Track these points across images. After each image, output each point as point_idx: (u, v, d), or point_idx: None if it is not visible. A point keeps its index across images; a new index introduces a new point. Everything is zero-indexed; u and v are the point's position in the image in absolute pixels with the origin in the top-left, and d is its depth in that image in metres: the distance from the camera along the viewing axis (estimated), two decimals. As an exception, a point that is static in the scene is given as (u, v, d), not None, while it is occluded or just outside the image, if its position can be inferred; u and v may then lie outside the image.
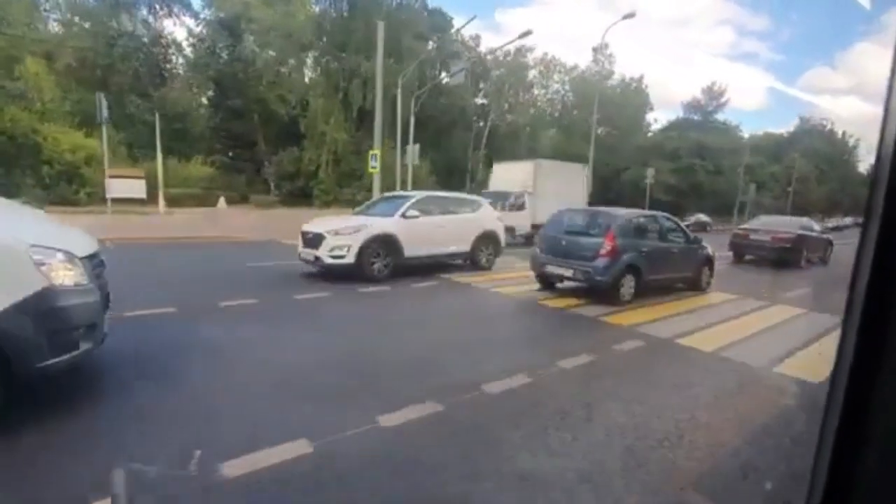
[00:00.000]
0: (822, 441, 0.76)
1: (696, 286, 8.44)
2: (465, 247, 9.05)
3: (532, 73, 50.09)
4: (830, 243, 15.20)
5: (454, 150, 40.53)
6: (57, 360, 2.82)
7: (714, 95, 46.08)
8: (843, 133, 71.90)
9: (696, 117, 46.38)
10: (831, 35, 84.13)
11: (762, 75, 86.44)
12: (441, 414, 3.26)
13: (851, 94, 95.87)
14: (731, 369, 4.65)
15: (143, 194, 21.80)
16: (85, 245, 3.29)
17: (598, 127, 42.71)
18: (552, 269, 7.52)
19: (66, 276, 2.91)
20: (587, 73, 49.77)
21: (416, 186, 20.23)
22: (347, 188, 29.87)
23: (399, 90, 18.49)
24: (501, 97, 47.33)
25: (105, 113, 13.70)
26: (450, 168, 38.61)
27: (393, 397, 3.43)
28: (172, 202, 22.86)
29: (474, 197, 9.58)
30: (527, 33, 17.99)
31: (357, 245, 7.38)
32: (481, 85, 50.38)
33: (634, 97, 46.02)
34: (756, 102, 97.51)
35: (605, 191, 33.79)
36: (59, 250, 2.91)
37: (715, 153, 35.75)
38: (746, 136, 57.27)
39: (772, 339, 5.81)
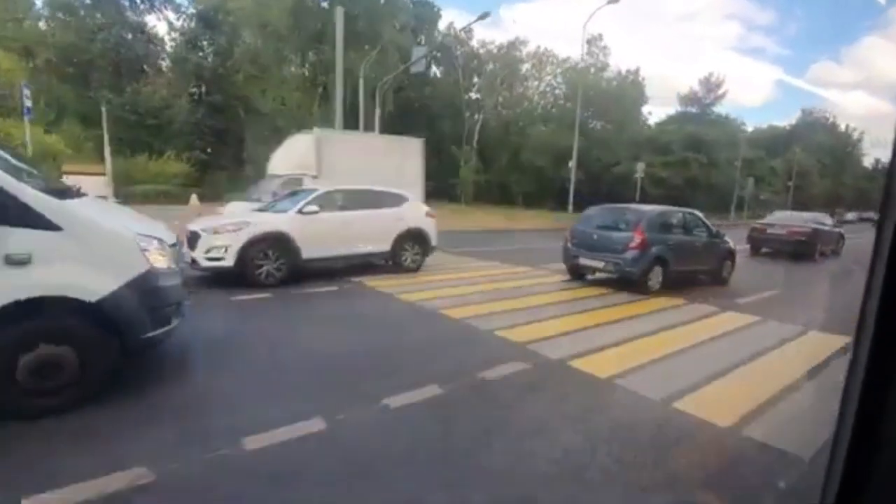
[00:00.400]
0: (836, 445, 0.80)
1: (718, 278, 8.89)
2: (384, 246, 8.11)
3: (526, 67, 49.13)
4: (842, 237, 15.82)
5: (443, 143, 39.53)
6: (155, 332, 3.29)
7: (711, 87, 44.64)
8: (847, 126, 70.21)
9: (693, 110, 44.99)
10: (837, 30, 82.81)
11: (769, 70, 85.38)
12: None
13: (858, 88, 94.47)
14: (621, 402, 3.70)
15: (104, 191, 21.08)
16: (169, 235, 3.77)
17: (591, 121, 41.84)
18: (584, 261, 8.16)
19: (160, 260, 3.37)
20: (581, 66, 48.67)
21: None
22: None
23: (362, 80, 17.56)
24: (494, 91, 46.31)
25: (28, 104, 12.87)
26: (438, 163, 37.57)
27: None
28: (143, 199, 22.11)
29: (397, 191, 8.56)
30: (485, 15, 17.31)
31: (237, 245, 6.45)
32: (475, 80, 49.47)
33: (631, 90, 44.73)
34: (763, 97, 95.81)
35: (595, 186, 32.66)
36: (155, 238, 3.41)
37: (710, 146, 34.41)
38: (750, 129, 55.99)
39: (690, 360, 4.75)
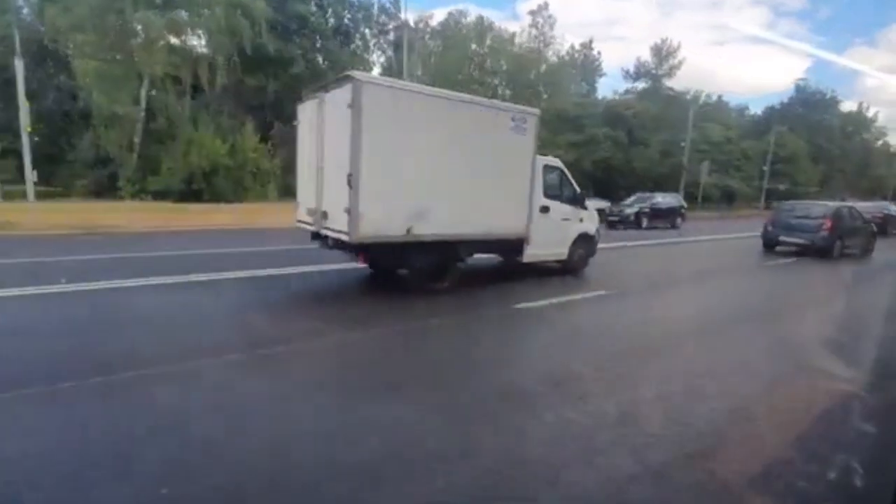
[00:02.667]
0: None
1: (867, 251, 14.69)
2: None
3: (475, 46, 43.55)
4: None
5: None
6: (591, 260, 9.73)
7: (664, 56, 37.74)
8: (861, 105, 61.51)
9: (643, 85, 38.30)
10: (871, 12, 75.89)
11: (799, 56, 79.80)
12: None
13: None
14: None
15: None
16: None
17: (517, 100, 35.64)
18: (784, 238, 13.69)
19: (595, 223, 9.66)
20: (525, 40, 42.66)
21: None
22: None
23: None
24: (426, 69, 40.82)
25: None
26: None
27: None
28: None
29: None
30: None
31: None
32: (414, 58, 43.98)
33: (568, 65, 38.42)
34: (792, 83, 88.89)
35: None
36: (583, 213, 9.29)
37: (640, 124, 28.01)
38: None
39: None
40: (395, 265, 7.25)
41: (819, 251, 12.88)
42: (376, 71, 47.73)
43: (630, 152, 27.29)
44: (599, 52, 44.48)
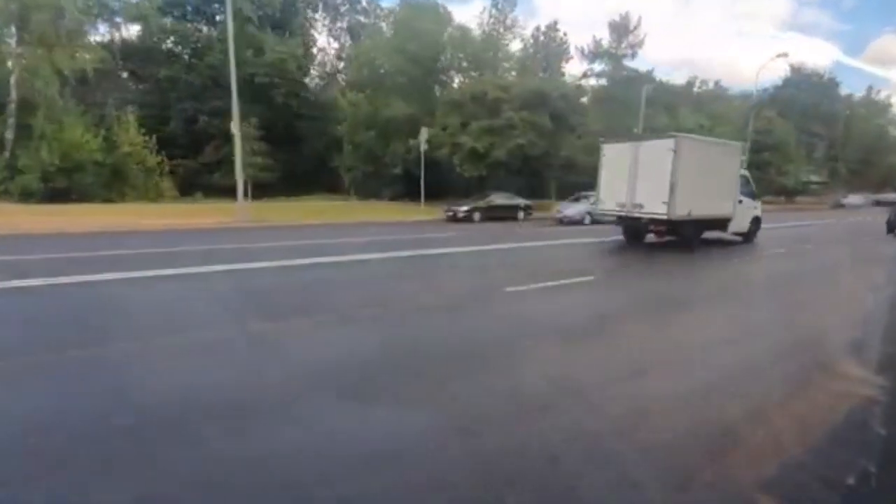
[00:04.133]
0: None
1: None
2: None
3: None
4: None
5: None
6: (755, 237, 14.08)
7: (622, 32, 33.75)
8: (869, 88, 56.02)
9: (601, 66, 34.45)
10: None
11: (824, 46, 74.38)
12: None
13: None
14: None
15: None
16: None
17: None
18: None
19: (760, 211, 14.20)
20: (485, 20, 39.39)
21: None
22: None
23: None
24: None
25: None
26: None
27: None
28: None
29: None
30: None
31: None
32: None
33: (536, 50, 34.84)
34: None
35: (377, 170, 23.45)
36: (755, 204, 13.92)
37: (596, 107, 24.37)
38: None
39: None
40: (677, 233, 11.79)
41: None
42: (325, 56, 45.27)
43: (558, 140, 23.69)
44: (566, 34, 40.99)
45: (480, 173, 22.98)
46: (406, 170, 26.98)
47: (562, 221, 19.34)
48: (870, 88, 56.11)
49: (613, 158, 12.17)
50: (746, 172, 13.77)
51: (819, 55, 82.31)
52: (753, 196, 13.79)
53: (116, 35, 31.95)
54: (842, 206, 42.09)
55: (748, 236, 13.80)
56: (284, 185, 34.03)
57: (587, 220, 18.96)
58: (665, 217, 10.78)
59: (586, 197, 19.70)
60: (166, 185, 25.40)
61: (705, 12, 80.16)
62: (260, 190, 31.02)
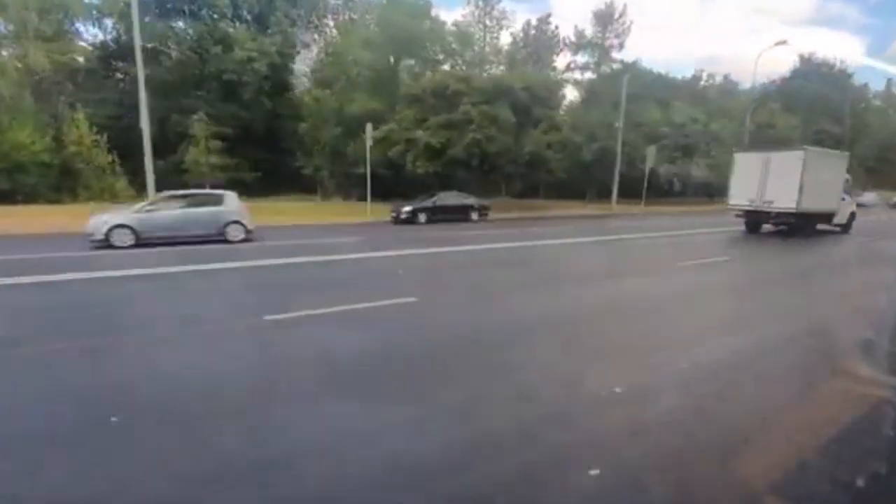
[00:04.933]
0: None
1: None
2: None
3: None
4: None
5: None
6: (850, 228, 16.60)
7: (608, 20, 31.82)
8: (889, 81, 52.74)
9: (584, 58, 32.61)
10: None
11: (851, 41, 71.06)
12: None
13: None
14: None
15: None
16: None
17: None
18: None
19: (853, 207, 16.73)
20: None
21: None
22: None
23: None
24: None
25: None
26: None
27: None
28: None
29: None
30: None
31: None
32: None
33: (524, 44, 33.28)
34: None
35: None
36: (852, 201, 17.01)
37: (536, 99, 22.63)
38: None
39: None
40: (795, 224, 14.53)
41: None
42: (311, 55, 44.26)
43: (521, 135, 22.18)
44: (557, 27, 39.39)
45: (436, 171, 21.59)
46: (373, 170, 25.78)
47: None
48: (889, 81, 52.84)
49: (745, 165, 15.07)
50: (848, 176, 16.07)
51: (840, 50, 78.60)
52: (850, 194, 16.70)
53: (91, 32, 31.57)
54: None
55: (846, 227, 16.39)
56: (263, 186, 33.18)
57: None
58: (793, 210, 13.81)
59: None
60: (120, 185, 24.63)
61: (721, 8, 76.88)
62: (242, 190, 30.25)
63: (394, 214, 18.25)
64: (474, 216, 19.24)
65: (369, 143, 19.59)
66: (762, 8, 78.76)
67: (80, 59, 31.00)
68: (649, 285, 7.88)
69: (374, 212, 19.87)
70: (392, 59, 29.09)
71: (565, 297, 6.90)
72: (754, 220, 15.48)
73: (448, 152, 21.29)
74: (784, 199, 13.84)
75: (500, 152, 21.46)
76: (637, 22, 78.19)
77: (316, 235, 13.98)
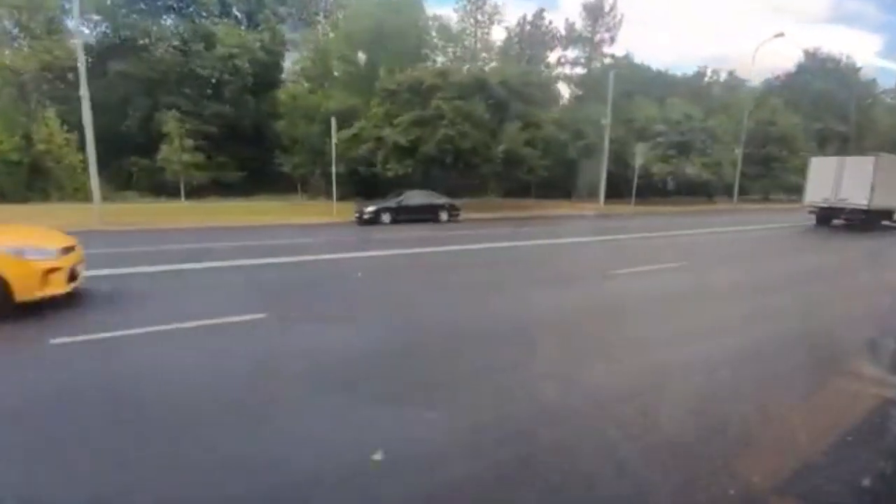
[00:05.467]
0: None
1: None
2: None
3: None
4: None
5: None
6: None
7: (598, 14, 30.74)
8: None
9: (574, 53, 31.62)
10: None
11: (869, 39, 69.37)
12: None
13: None
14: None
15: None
16: None
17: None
18: None
19: None
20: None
21: None
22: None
23: None
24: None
25: None
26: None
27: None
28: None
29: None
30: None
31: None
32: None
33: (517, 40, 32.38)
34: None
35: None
36: None
37: (515, 93, 21.69)
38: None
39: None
40: (865, 219, 16.63)
41: None
42: (302, 53, 43.63)
43: (498, 132, 21.31)
44: (551, 22, 38.41)
45: (406, 171, 20.79)
46: (352, 168, 25.08)
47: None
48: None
49: (820, 168, 17.84)
50: None
51: (858, 47, 76.57)
52: None
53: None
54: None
55: None
56: (252, 186, 32.68)
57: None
58: (865, 207, 16.15)
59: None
60: (94, 184, 24.14)
61: (737, 6, 74.92)
62: (226, 190, 29.86)
63: (357, 214, 17.51)
64: (443, 217, 18.41)
65: (334, 140, 18.88)
66: (780, 7, 76.64)
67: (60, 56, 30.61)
68: (569, 297, 6.99)
69: (342, 211, 19.13)
70: (367, 55, 28.28)
71: (464, 308, 6.06)
72: (827, 216, 17.78)
73: (420, 150, 20.49)
74: (857, 197, 16.24)
75: (475, 149, 20.60)
76: (654, 21, 76.88)
77: (252, 237, 13.14)
